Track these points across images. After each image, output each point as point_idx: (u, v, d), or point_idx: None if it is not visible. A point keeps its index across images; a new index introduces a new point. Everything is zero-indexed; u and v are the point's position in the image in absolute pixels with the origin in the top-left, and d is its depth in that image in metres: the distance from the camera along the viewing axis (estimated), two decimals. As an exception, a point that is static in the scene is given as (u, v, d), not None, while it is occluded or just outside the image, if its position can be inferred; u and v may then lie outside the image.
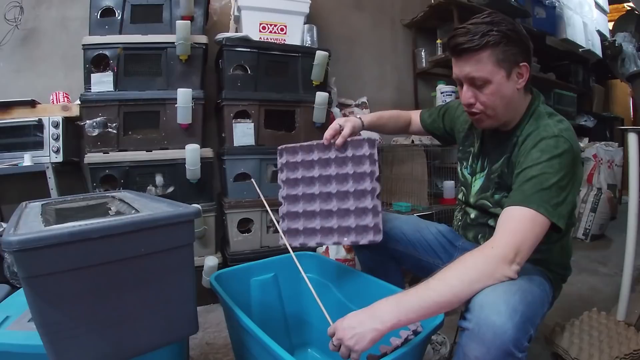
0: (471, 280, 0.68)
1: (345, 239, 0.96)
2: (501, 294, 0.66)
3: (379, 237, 0.93)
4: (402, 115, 1.25)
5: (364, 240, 0.94)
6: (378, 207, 0.94)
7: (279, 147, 1.01)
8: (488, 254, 0.71)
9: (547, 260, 0.90)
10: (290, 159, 1.02)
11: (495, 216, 0.94)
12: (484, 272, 0.69)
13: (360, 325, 0.68)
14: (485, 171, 0.97)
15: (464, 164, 1.06)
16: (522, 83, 0.85)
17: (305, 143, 1.01)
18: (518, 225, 0.72)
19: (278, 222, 1.02)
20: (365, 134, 1.09)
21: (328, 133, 0.99)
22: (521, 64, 0.84)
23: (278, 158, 1.01)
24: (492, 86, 0.83)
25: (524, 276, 0.76)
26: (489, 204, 0.94)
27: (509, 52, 0.81)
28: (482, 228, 0.99)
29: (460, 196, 1.09)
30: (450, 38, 0.85)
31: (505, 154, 0.91)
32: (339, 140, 0.97)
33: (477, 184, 0.99)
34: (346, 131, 0.98)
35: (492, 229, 0.95)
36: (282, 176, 1.02)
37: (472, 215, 1.02)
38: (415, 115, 1.25)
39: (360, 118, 1.08)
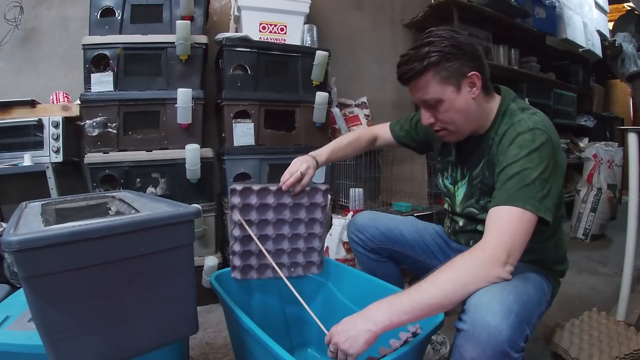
0: (463, 283, 0.68)
1: (293, 270, 1.08)
2: (496, 295, 0.66)
3: (321, 270, 1.11)
4: (362, 135, 1.20)
5: (309, 272, 1.10)
6: (323, 247, 1.11)
7: (232, 187, 0.97)
8: (480, 256, 0.70)
9: (543, 259, 0.89)
10: (245, 201, 0.99)
11: (483, 222, 0.95)
12: (477, 275, 0.68)
13: (353, 328, 0.69)
14: (466, 178, 0.97)
15: (445, 174, 1.05)
16: (477, 91, 0.85)
17: (261, 186, 0.99)
18: (506, 225, 0.72)
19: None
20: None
21: (289, 181, 0.98)
22: (469, 74, 0.83)
23: (230, 197, 0.97)
24: (445, 104, 0.84)
25: (520, 276, 0.76)
26: (476, 210, 0.94)
27: (452, 68, 0.82)
28: (472, 234, 0.99)
29: (446, 206, 1.08)
30: (397, 68, 0.87)
31: (483, 158, 0.90)
32: (298, 189, 1.01)
33: (460, 193, 0.99)
34: (306, 180, 1.01)
35: (482, 234, 0.96)
36: (234, 217, 0.99)
37: (461, 223, 1.01)
38: (381, 130, 1.22)
39: (315, 158, 1.06)
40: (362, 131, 1.22)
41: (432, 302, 0.68)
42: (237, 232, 0.99)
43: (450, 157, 1.02)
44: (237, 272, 1.03)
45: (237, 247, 1.00)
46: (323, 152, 1.10)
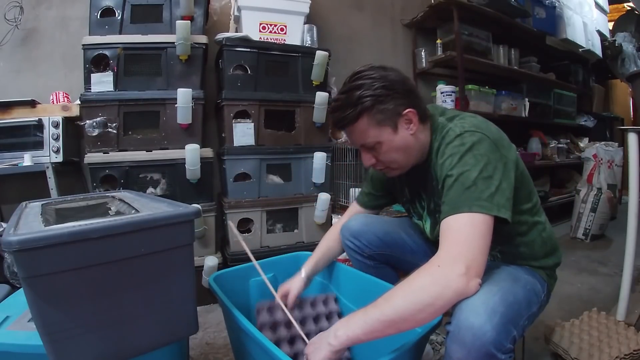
0: (416, 301, 0.64)
1: None
2: (480, 296, 0.65)
3: None
4: (333, 234, 1.14)
5: None
6: None
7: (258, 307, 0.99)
8: (434, 272, 0.66)
9: (532, 255, 0.87)
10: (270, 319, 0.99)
11: None
12: (431, 292, 0.64)
13: (320, 341, 0.71)
14: (426, 210, 0.97)
15: (410, 212, 1.04)
16: (414, 127, 0.83)
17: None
18: (457, 234, 0.67)
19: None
20: None
21: (278, 299, 0.98)
22: (404, 112, 0.81)
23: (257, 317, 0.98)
24: (384, 145, 0.83)
25: (508, 277, 0.75)
26: None
27: (386, 110, 0.80)
28: None
29: (424, 237, 1.07)
30: (330, 113, 0.85)
31: (430, 182, 0.89)
32: (290, 303, 1.00)
33: (427, 226, 0.98)
34: (292, 294, 1.01)
35: None
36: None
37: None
38: (350, 213, 1.16)
39: (302, 271, 1.07)
40: (331, 231, 1.16)
41: (384, 320, 0.65)
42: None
43: (406, 195, 1.02)
44: None
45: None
46: (306, 267, 1.08)
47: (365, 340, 0.67)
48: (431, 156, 0.86)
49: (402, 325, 0.65)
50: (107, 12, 1.57)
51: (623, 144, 2.63)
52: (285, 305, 0.96)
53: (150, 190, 1.57)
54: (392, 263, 1.11)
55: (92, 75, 1.52)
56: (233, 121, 1.66)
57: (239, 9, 1.78)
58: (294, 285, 1.03)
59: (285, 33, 1.84)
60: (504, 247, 0.88)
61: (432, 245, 1.08)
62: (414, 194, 0.99)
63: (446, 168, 0.76)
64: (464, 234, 0.67)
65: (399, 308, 0.64)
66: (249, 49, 1.67)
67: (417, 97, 0.85)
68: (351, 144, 0.89)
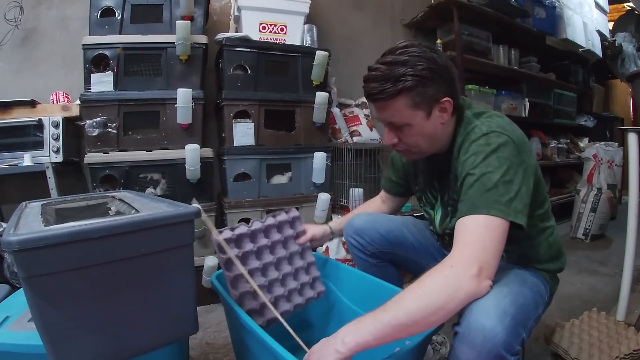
0: (428, 304, 0.62)
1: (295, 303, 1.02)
2: (491, 297, 0.64)
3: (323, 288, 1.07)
4: (367, 206, 1.23)
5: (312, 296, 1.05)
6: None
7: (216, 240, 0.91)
8: (447, 274, 0.64)
9: (537, 258, 0.87)
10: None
11: None
12: (444, 294, 0.62)
13: (325, 348, 0.65)
14: (439, 200, 0.96)
15: (422, 200, 1.04)
16: (446, 117, 0.82)
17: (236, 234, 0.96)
18: (473, 236, 0.67)
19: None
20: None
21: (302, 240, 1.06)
22: (442, 100, 0.80)
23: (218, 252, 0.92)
24: (413, 129, 0.81)
25: (516, 279, 0.75)
26: (451, 232, 0.93)
27: (426, 94, 0.78)
28: None
29: (431, 227, 1.07)
30: (365, 81, 0.80)
31: (449, 176, 0.88)
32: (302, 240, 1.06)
33: (437, 216, 0.98)
34: (306, 236, 1.06)
35: None
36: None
37: (446, 241, 1.02)
38: (382, 194, 1.21)
39: (330, 227, 1.15)
40: (365, 207, 1.25)
41: (395, 324, 0.62)
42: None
43: (419, 183, 1.02)
44: None
45: (234, 293, 0.90)
46: (337, 221, 1.17)
47: (375, 345, 0.64)
48: (453, 149, 0.84)
49: (414, 329, 0.64)
50: (107, 12, 1.57)
51: (623, 144, 2.63)
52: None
53: (150, 190, 1.57)
54: (394, 261, 1.11)
55: (92, 75, 1.52)
56: (233, 121, 1.66)
57: (239, 9, 1.78)
58: (316, 229, 1.08)
59: (285, 33, 1.84)
60: (510, 248, 0.88)
61: (435, 243, 1.08)
62: (428, 183, 0.98)
63: (468, 166, 0.74)
64: (479, 235, 0.66)
65: (411, 311, 0.62)
66: (249, 49, 1.67)
67: (456, 86, 0.83)
68: (376, 117, 0.87)
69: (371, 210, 1.18)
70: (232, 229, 0.95)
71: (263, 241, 0.98)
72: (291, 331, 0.79)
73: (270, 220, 1.02)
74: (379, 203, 1.22)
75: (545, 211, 0.87)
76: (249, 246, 0.95)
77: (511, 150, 0.73)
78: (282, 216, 1.04)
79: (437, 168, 0.92)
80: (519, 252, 0.87)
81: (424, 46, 0.80)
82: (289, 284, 1.01)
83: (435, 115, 0.81)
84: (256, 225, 0.99)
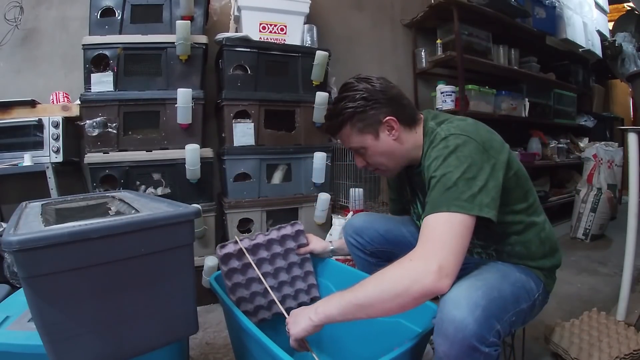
0: (384, 291, 0.68)
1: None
2: (463, 290, 0.67)
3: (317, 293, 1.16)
4: None
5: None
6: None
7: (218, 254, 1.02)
8: (406, 266, 0.69)
9: (528, 255, 0.87)
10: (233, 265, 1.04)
11: None
12: (400, 285, 0.67)
13: (302, 313, 0.78)
14: (422, 210, 0.99)
15: (411, 212, 1.08)
16: (396, 133, 0.88)
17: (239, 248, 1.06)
18: (433, 233, 0.70)
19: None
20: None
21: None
22: (385, 120, 0.87)
23: (220, 264, 1.03)
24: (369, 150, 0.91)
25: (496, 274, 0.77)
26: None
27: (366, 119, 0.87)
28: None
29: None
30: (323, 120, 0.96)
31: (424, 184, 0.89)
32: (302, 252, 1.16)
33: None
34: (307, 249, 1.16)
35: None
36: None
37: None
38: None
39: (331, 242, 1.20)
40: None
41: (356, 304, 0.70)
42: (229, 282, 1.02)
43: (407, 196, 1.07)
44: None
45: (232, 298, 1.01)
46: (338, 241, 1.21)
47: (340, 320, 0.72)
48: (422, 159, 0.89)
49: (371, 311, 0.69)
50: (107, 12, 1.57)
51: (623, 144, 2.64)
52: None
53: (150, 190, 1.57)
54: (394, 260, 1.11)
55: (92, 75, 1.53)
56: (233, 121, 1.66)
57: (239, 9, 1.78)
58: (317, 244, 1.17)
59: (285, 33, 1.84)
60: (499, 246, 0.89)
61: None
62: (413, 194, 1.03)
63: (431, 170, 0.78)
64: (439, 232, 0.69)
65: (369, 295, 0.69)
66: (249, 49, 1.68)
67: (399, 104, 0.89)
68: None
69: None
70: (235, 242, 1.05)
71: (263, 254, 1.09)
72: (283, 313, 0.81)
73: (273, 234, 1.11)
74: None
75: (530, 205, 0.87)
76: (250, 259, 1.04)
77: (472, 148, 0.76)
78: (286, 229, 1.13)
79: (416, 179, 0.97)
80: (509, 250, 0.88)
81: (362, 78, 0.91)
82: (284, 290, 1.11)
83: (383, 134, 0.88)
84: (258, 239, 1.08)
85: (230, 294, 1.00)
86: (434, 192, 0.74)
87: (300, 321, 0.76)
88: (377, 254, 1.10)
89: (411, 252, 0.70)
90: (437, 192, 0.73)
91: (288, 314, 0.84)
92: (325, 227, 1.81)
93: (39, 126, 1.51)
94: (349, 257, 1.63)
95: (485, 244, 0.91)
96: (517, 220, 0.85)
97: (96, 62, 1.54)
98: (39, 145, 1.51)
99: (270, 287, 1.03)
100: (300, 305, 1.09)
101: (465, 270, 0.86)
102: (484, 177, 0.73)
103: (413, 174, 0.97)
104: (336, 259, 1.50)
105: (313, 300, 1.14)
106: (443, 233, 0.69)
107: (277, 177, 1.77)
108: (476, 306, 0.64)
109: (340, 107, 0.88)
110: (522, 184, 0.85)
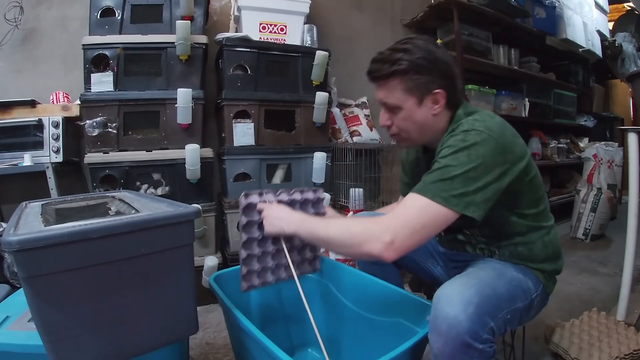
0: (341, 236, 0.76)
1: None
2: (456, 287, 0.68)
3: (317, 268, 1.12)
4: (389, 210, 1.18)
5: (305, 272, 1.10)
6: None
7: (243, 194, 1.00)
8: (367, 226, 0.74)
9: (531, 256, 0.87)
10: (249, 201, 1.00)
11: (461, 231, 0.96)
12: (354, 239, 0.73)
13: (278, 217, 0.88)
14: None
15: None
16: (438, 109, 0.85)
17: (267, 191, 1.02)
18: (404, 210, 0.73)
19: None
20: None
21: None
22: (435, 91, 0.84)
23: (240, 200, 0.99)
24: (403, 112, 0.86)
25: (492, 272, 0.78)
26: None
27: (418, 81, 0.83)
28: (452, 243, 1.01)
29: None
30: (370, 63, 0.89)
31: None
32: None
33: None
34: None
35: (463, 243, 0.98)
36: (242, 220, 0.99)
37: (442, 234, 1.04)
38: (400, 199, 1.18)
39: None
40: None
41: (317, 235, 0.80)
42: (244, 236, 0.97)
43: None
44: (242, 283, 0.99)
45: (243, 253, 0.97)
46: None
47: (306, 241, 0.89)
48: (439, 144, 0.87)
49: (328, 248, 0.84)
50: (107, 12, 1.57)
51: (623, 144, 2.64)
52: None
53: (150, 190, 1.57)
54: (396, 261, 1.12)
55: (92, 75, 1.52)
56: (233, 121, 1.66)
57: (239, 9, 1.78)
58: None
59: (285, 33, 1.84)
60: (502, 245, 0.89)
61: (435, 241, 1.09)
62: None
63: (439, 155, 0.78)
64: (408, 213, 0.72)
65: (330, 235, 0.78)
66: (249, 49, 1.67)
67: (454, 83, 0.86)
68: (376, 98, 0.92)
69: None
70: (260, 194, 1.00)
71: None
72: (300, 289, 0.91)
73: (296, 195, 1.04)
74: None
75: (540, 211, 0.88)
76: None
77: (489, 149, 0.74)
78: (309, 194, 1.06)
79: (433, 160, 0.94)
80: (512, 249, 0.88)
81: (430, 41, 0.85)
82: (292, 256, 1.03)
83: (426, 104, 0.85)
84: (282, 197, 1.02)
85: (242, 249, 0.95)
86: (430, 176, 0.75)
87: (275, 224, 0.87)
88: None
89: (381, 217, 0.74)
90: (432, 177, 0.74)
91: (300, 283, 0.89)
92: (325, 227, 1.81)
93: (39, 126, 1.51)
94: (348, 257, 1.64)
95: (489, 241, 0.91)
96: (524, 223, 0.85)
97: (96, 62, 1.54)
98: (39, 145, 1.51)
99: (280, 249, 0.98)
100: (303, 274, 1.07)
101: (462, 268, 0.86)
102: (488, 179, 0.73)
103: (430, 159, 0.92)
104: (336, 259, 1.50)
105: (315, 271, 1.12)
106: (413, 216, 0.71)
107: (277, 177, 1.77)
108: (469, 303, 0.65)
109: (398, 56, 0.82)
110: (535, 190, 0.85)
